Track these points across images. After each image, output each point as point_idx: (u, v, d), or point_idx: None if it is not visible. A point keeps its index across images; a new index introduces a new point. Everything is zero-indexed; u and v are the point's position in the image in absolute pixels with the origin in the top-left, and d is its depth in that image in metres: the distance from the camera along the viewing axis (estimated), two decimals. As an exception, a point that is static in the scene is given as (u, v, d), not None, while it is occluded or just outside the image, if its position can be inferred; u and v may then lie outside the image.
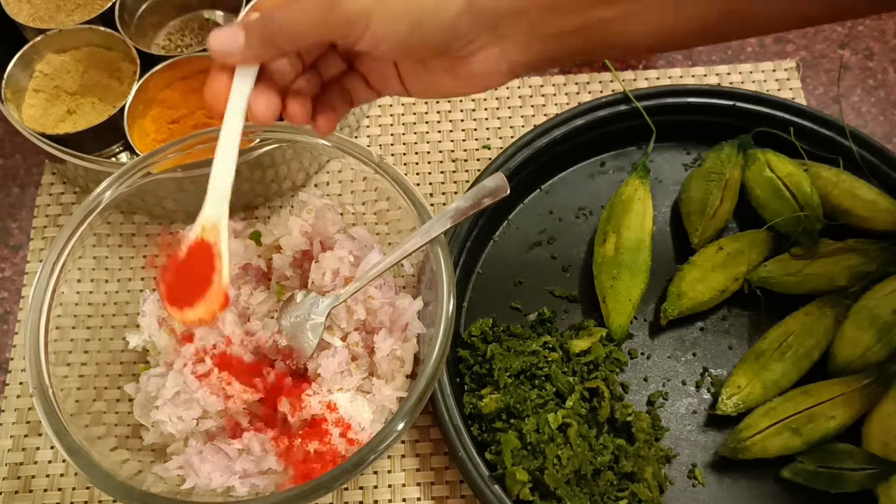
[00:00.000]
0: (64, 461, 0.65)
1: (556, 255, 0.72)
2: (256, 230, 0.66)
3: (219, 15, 0.82)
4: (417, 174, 0.77)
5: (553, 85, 0.81)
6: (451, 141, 0.78)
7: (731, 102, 0.73)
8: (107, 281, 0.66)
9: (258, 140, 0.65)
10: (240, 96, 0.48)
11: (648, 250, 0.68)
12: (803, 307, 0.66)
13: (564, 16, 0.47)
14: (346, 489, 0.64)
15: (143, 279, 0.67)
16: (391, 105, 0.80)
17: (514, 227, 0.73)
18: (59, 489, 0.64)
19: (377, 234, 0.67)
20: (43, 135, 0.69)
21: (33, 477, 0.65)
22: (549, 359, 0.63)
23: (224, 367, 0.59)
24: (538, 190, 0.75)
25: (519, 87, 0.80)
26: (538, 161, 0.72)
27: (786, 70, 0.81)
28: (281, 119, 0.51)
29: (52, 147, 0.68)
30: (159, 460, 0.59)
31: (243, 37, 0.46)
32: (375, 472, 0.64)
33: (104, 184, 0.60)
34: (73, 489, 0.64)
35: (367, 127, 0.79)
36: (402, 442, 0.65)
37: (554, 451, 0.58)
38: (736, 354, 0.67)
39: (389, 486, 0.64)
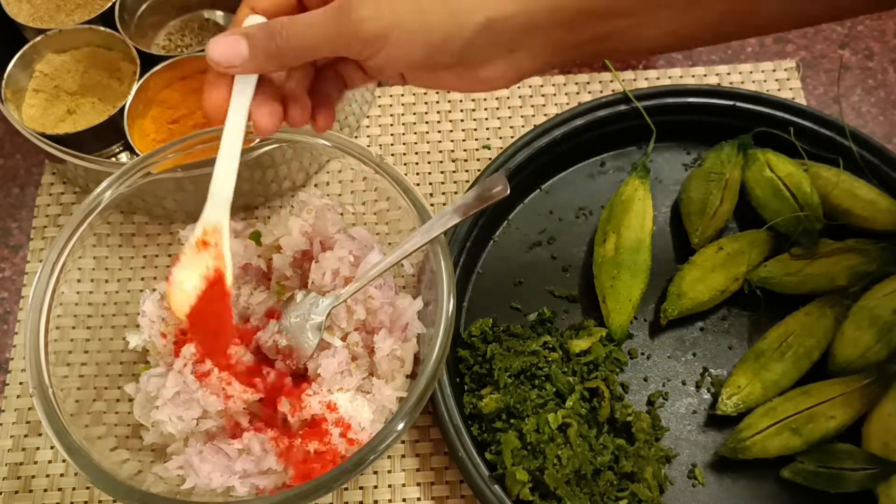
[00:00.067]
0: (64, 461, 0.65)
1: (556, 255, 0.72)
2: (256, 230, 0.66)
3: (219, 15, 0.82)
4: (417, 174, 0.77)
5: (553, 85, 0.81)
6: (451, 141, 0.78)
7: (731, 102, 0.73)
8: (107, 281, 0.66)
9: (258, 140, 0.65)
10: (241, 103, 0.48)
11: (648, 250, 0.68)
12: (803, 307, 0.66)
13: (577, 30, 0.47)
14: (346, 489, 0.64)
15: (143, 279, 0.67)
16: (391, 105, 0.80)
17: (514, 227, 0.73)
18: (59, 489, 0.64)
19: (377, 234, 0.67)
20: (43, 135, 0.69)
21: (33, 477, 0.65)
22: (549, 359, 0.63)
23: (224, 368, 0.59)
24: (538, 190, 0.75)
25: (519, 88, 0.80)
26: (538, 161, 0.72)
27: (786, 70, 0.81)
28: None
29: (52, 147, 0.68)
30: (159, 460, 0.59)
31: (247, 48, 0.45)
32: (375, 472, 0.64)
33: (104, 184, 0.60)
34: (73, 489, 0.64)
35: (367, 127, 0.79)
36: (402, 442, 0.65)
37: (554, 451, 0.58)
38: (736, 354, 0.67)
39: (389, 486, 0.64)
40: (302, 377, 0.60)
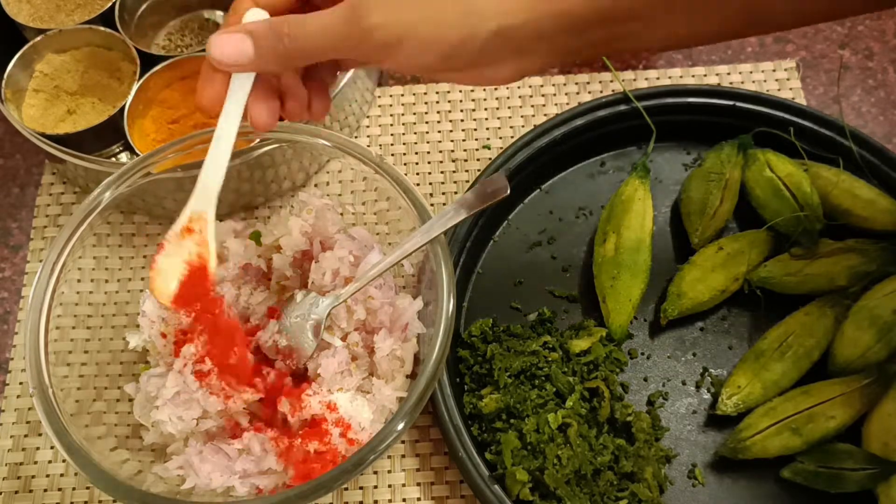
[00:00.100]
0: (64, 461, 0.65)
1: (556, 255, 0.72)
2: (256, 230, 0.66)
3: (219, 15, 0.82)
4: (417, 174, 0.77)
5: (553, 85, 0.81)
6: (451, 141, 0.78)
7: (731, 102, 0.73)
8: (107, 281, 0.66)
9: (258, 140, 0.65)
10: (237, 99, 0.47)
11: (648, 250, 0.68)
12: (803, 307, 0.66)
13: (585, 35, 0.47)
14: (346, 489, 0.64)
15: (143, 279, 0.67)
16: (391, 105, 0.80)
17: (514, 227, 0.73)
18: (59, 489, 0.64)
19: (377, 234, 0.67)
20: (43, 135, 0.69)
21: (33, 477, 0.65)
22: (549, 359, 0.63)
23: (224, 368, 0.59)
24: (538, 190, 0.75)
25: (519, 88, 0.80)
26: (538, 161, 0.72)
27: (786, 70, 0.81)
28: (280, 119, 0.51)
29: (52, 147, 0.68)
30: (159, 460, 0.59)
31: (252, 48, 0.45)
32: (375, 472, 0.64)
33: (104, 184, 0.60)
34: (73, 489, 0.64)
35: (367, 127, 0.79)
36: (402, 442, 0.65)
37: (554, 451, 0.58)
38: (736, 354, 0.67)
39: (389, 486, 0.64)
40: (302, 377, 0.60)
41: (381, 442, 0.52)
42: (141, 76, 0.72)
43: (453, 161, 0.77)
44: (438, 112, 0.80)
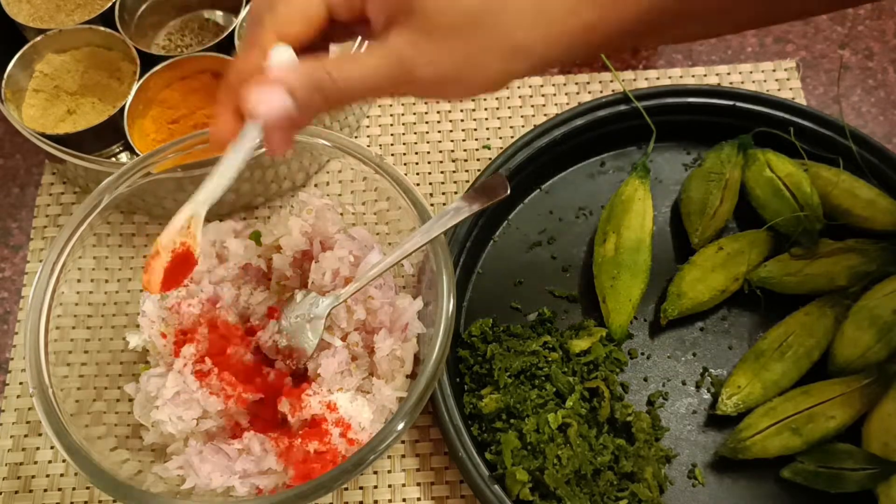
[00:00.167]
0: (64, 461, 0.65)
1: (556, 255, 0.72)
2: (256, 230, 0.66)
3: (219, 15, 0.82)
4: (417, 174, 0.77)
5: (553, 85, 0.81)
6: (451, 141, 0.78)
7: (731, 102, 0.73)
8: (107, 281, 0.66)
9: (258, 140, 0.64)
10: (253, 136, 0.45)
11: (648, 250, 0.68)
12: (803, 307, 0.66)
13: (600, 48, 0.46)
14: (346, 489, 0.64)
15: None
16: (391, 105, 0.80)
17: (514, 227, 0.73)
18: (59, 489, 0.64)
19: (377, 234, 0.67)
20: (43, 135, 0.69)
21: (33, 477, 0.65)
22: (549, 359, 0.63)
23: (224, 368, 0.59)
24: (538, 190, 0.75)
25: (519, 88, 0.80)
26: (538, 161, 0.72)
27: (786, 70, 0.81)
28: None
29: (52, 147, 0.68)
30: (159, 460, 0.59)
31: (293, 104, 0.43)
32: (375, 472, 0.64)
33: (104, 184, 0.60)
34: (73, 489, 0.64)
35: (367, 127, 0.79)
36: (402, 442, 0.65)
37: (554, 451, 0.58)
38: (736, 354, 0.67)
39: (389, 486, 0.64)
40: (302, 377, 0.60)
41: (381, 442, 0.52)
42: (141, 76, 0.72)
43: (453, 161, 0.77)
44: (438, 112, 0.80)
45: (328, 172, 0.76)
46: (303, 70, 0.43)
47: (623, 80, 0.80)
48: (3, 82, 0.72)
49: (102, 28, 0.75)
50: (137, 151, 0.71)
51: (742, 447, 0.61)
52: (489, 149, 0.78)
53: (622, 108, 0.73)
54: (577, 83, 0.81)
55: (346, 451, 0.56)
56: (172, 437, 0.59)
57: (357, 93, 0.44)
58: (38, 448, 0.66)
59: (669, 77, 0.81)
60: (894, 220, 0.67)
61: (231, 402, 0.58)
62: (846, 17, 0.85)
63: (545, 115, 0.79)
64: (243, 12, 0.76)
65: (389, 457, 0.65)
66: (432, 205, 0.75)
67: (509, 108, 0.80)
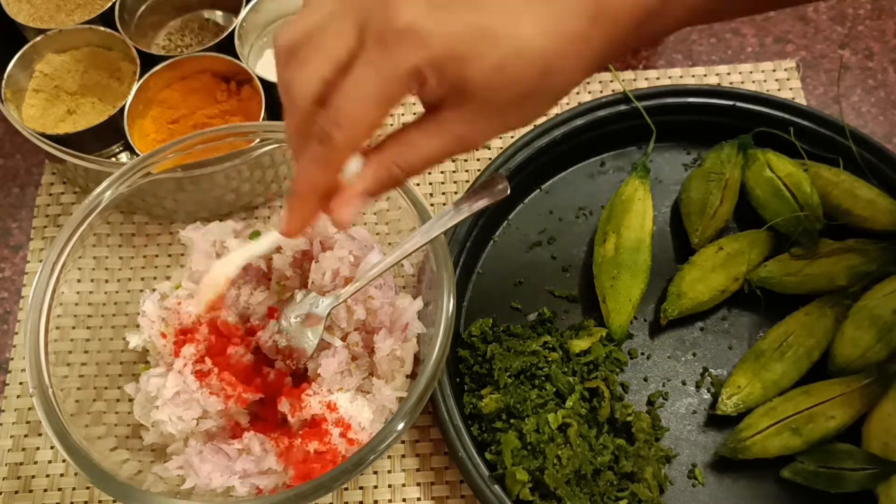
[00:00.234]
0: (64, 461, 0.65)
1: (556, 255, 0.72)
2: (256, 230, 0.66)
3: (219, 15, 0.82)
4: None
5: (553, 85, 0.80)
6: (451, 141, 0.78)
7: (731, 102, 0.73)
8: (107, 281, 0.66)
9: (258, 140, 0.65)
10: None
11: (648, 250, 0.68)
12: (803, 307, 0.66)
13: (627, 42, 0.46)
14: (346, 489, 0.64)
15: (143, 279, 0.67)
16: (391, 105, 0.80)
17: (514, 227, 0.73)
18: (59, 489, 0.64)
19: (377, 234, 0.67)
20: (43, 135, 0.69)
21: (33, 477, 0.65)
22: (549, 359, 0.63)
23: (224, 368, 0.59)
24: (538, 190, 0.75)
25: (519, 87, 0.80)
26: (538, 161, 0.72)
27: (786, 70, 0.81)
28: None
29: (52, 147, 0.68)
30: (159, 460, 0.59)
31: (362, 202, 0.45)
32: (375, 472, 0.64)
33: (104, 184, 0.60)
34: (73, 489, 0.64)
35: (367, 127, 0.79)
36: (402, 442, 0.65)
37: (554, 451, 0.58)
38: (736, 354, 0.67)
39: (389, 486, 0.64)
40: (302, 377, 0.60)
41: (381, 442, 0.52)
42: (141, 76, 0.72)
43: (453, 161, 0.77)
44: (438, 112, 0.79)
45: (328, 172, 0.76)
46: (374, 173, 0.45)
47: (623, 80, 0.80)
48: (3, 82, 0.72)
49: (102, 28, 0.75)
50: (137, 151, 0.71)
51: (742, 447, 0.61)
52: (489, 149, 0.78)
53: (622, 108, 0.73)
54: (577, 83, 0.80)
55: (346, 451, 0.56)
56: (172, 437, 0.59)
57: (419, 172, 0.45)
58: (38, 448, 0.66)
59: (669, 77, 0.81)
60: (894, 220, 0.67)
61: (231, 402, 0.58)
62: (846, 17, 0.85)
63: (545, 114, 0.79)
64: (243, 12, 0.76)
65: (389, 457, 0.65)
66: (432, 205, 0.75)
67: (509, 108, 0.79)
